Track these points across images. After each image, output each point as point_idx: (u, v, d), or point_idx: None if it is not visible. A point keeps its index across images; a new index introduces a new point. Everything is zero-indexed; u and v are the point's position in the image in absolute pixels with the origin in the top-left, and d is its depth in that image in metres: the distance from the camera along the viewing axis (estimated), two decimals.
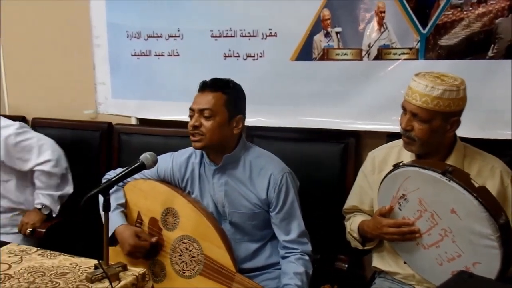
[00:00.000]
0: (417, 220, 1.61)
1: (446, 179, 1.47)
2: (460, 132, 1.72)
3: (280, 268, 1.86)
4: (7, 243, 1.80)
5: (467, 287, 1.09)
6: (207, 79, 1.87)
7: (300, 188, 1.92)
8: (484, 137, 1.98)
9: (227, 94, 1.81)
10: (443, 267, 1.57)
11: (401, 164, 1.63)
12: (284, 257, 1.84)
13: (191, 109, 1.83)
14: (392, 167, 1.64)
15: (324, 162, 2.34)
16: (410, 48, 2.10)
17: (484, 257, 1.46)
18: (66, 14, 2.95)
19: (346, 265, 1.96)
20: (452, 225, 1.51)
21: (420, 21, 2.07)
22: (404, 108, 1.67)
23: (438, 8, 2.03)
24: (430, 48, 2.07)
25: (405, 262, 1.75)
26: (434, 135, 1.62)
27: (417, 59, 2.10)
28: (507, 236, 1.44)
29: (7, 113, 3.27)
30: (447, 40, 2.05)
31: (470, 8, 1.98)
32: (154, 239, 1.90)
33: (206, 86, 1.83)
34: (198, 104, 1.81)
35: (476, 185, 1.47)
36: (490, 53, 1.99)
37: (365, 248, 1.88)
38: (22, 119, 3.12)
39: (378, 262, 1.88)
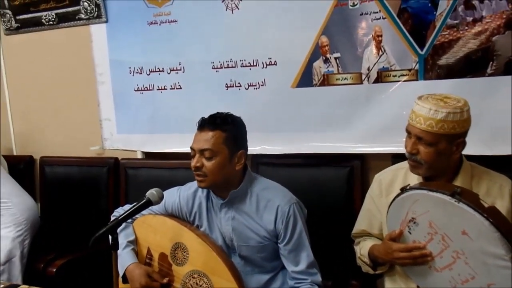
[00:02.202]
0: (428, 243, 1.59)
1: (455, 201, 1.46)
2: (466, 150, 1.70)
3: None
4: (18, 285, 1.80)
5: None
6: (209, 110, 1.87)
7: (308, 214, 1.90)
8: (488, 154, 1.98)
9: (226, 132, 1.79)
10: None
11: (408, 187, 1.62)
12: None
13: (191, 148, 1.82)
14: (400, 191, 1.63)
15: (330, 186, 2.34)
16: (409, 69, 2.12)
17: (498, 278, 1.44)
18: (69, 53, 3.01)
19: None
20: (464, 246, 1.49)
21: (417, 42, 2.09)
22: (408, 132, 1.67)
23: (434, 29, 2.05)
24: (429, 69, 2.09)
25: (418, 286, 1.72)
26: (440, 157, 1.62)
27: (417, 79, 2.11)
28: None
29: (15, 153, 3.30)
30: (445, 59, 2.06)
31: (466, 28, 2.00)
32: (165, 280, 1.89)
33: (204, 124, 1.81)
34: (198, 144, 1.80)
35: (486, 205, 1.46)
36: (489, 70, 2.00)
37: (376, 272, 1.85)
38: (30, 158, 3.15)
39: (390, 285, 1.85)
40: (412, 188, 1.61)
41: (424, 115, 1.59)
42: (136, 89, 2.78)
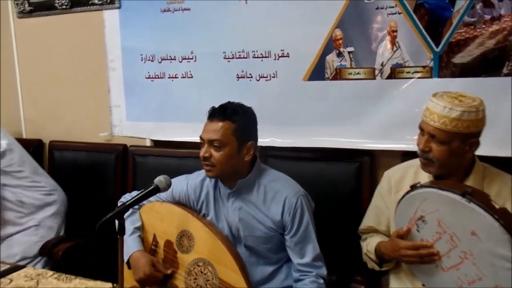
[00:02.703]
0: (436, 242, 1.57)
1: (466, 201, 1.45)
2: (478, 151, 1.69)
3: None
4: (23, 266, 1.81)
5: None
6: (220, 100, 1.86)
7: (315, 208, 1.90)
8: (500, 155, 1.95)
9: (236, 122, 1.78)
10: None
11: (418, 185, 1.60)
12: (298, 280, 1.82)
13: (201, 137, 1.82)
14: (410, 188, 1.62)
15: (338, 181, 2.32)
16: (424, 66, 2.09)
17: (506, 280, 1.42)
18: (81, 38, 3.00)
19: (363, 287, 1.92)
20: (473, 247, 1.48)
21: (433, 39, 2.06)
22: (421, 129, 1.65)
23: (451, 26, 2.02)
24: (443, 66, 2.06)
25: (423, 285, 1.71)
26: (452, 156, 1.60)
27: (430, 77, 2.09)
28: None
29: (24, 137, 3.32)
30: (460, 58, 2.03)
31: (484, 26, 1.97)
32: (169, 271, 1.89)
33: (215, 114, 1.80)
34: (207, 133, 1.79)
35: (497, 207, 1.44)
36: (505, 70, 1.97)
37: (382, 269, 1.85)
38: (39, 142, 3.17)
39: (395, 283, 1.84)
40: (422, 186, 1.59)
41: (439, 112, 1.57)
42: (147, 76, 2.77)
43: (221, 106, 1.83)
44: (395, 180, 1.82)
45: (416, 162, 1.75)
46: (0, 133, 2.50)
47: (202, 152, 1.79)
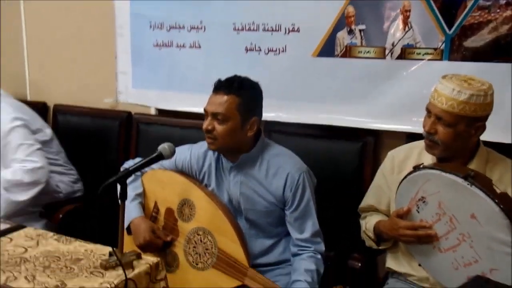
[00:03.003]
0: (435, 224, 1.59)
1: (468, 184, 1.45)
2: (483, 136, 1.69)
3: None
4: (24, 226, 1.82)
5: None
6: (227, 73, 1.84)
7: (317, 185, 1.91)
8: (506, 142, 1.95)
9: (241, 97, 1.77)
10: (459, 272, 1.55)
11: (421, 166, 1.61)
12: (296, 255, 1.84)
13: (205, 110, 1.81)
14: (412, 169, 1.62)
15: (341, 160, 2.32)
16: (435, 49, 2.07)
17: (502, 264, 1.44)
18: (91, 2, 2.97)
19: (360, 264, 1.94)
20: (471, 230, 1.49)
21: (446, 21, 2.03)
22: (428, 111, 1.64)
23: (465, 9, 1.99)
24: (455, 49, 2.04)
25: (419, 265, 1.73)
26: (457, 139, 1.60)
27: (441, 59, 2.07)
28: None
29: (28, 99, 3.31)
30: (472, 41, 2.01)
31: (498, 10, 1.94)
32: (169, 238, 1.91)
33: (221, 87, 1.79)
34: (211, 106, 1.78)
35: (498, 191, 1.45)
36: None
37: (379, 248, 1.86)
38: (43, 105, 3.16)
39: (392, 262, 1.86)
40: (425, 167, 1.60)
41: (447, 95, 1.56)
42: (155, 44, 2.75)
43: (227, 79, 1.81)
44: (398, 160, 1.82)
45: (421, 143, 1.75)
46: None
47: (205, 124, 1.79)
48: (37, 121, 2.57)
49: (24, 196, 2.33)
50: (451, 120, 1.57)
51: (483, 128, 1.62)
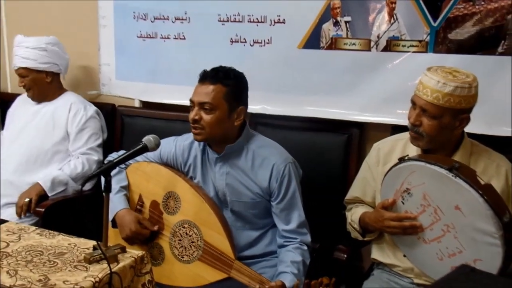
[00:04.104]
0: (420, 215, 1.60)
1: (452, 175, 1.46)
2: (467, 128, 1.70)
3: None
4: (5, 221, 1.79)
5: (469, 281, 1.08)
6: (212, 64, 1.84)
7: (303, 177, 1.91)
8: (490, 134, 1.97)
9: (227, 86, 1.77)
10: (443, 262, 1.56)
11: (406, 158, 1.61)
12: (282, 246, 1.84)
13: (191, 100, 1.80)
14: (398, 161, 1.63)
15: (327, 152, 2.33)
16: (420, 41, 2.08)
17: (485, 254, 1.46)
18: None
19: (345, 256, 1.95)
20: (455, 221, 1.50)
21: (431, 13, 2.04)
22: (413, 103, 1.65)
23: (450, 1, 2.00)
24: (439, 42, 2.05)
25: (404, 255, 1.74)
26: (442, 131, 1.61)
27: (426, 52, 2.08)
28: (510, 234, 1.43)
29: (10, 91, 3.25)
30: (457, 34, 2.02)
31: (483, 3, 1.96)
32: (155, 228, 1.90)
33: (206, 77, 1.79)
34: (198, 96, 1.78)
35: (482, 183, 1.46)
36: (500, 49, 1.96)
37: (365, 239, 1.87)
38: None
39: (377, 254, 1.87)
40: (410, 159, 1.61)
41: (432, 87, 1.57)
42: (139, 35, 2.71)
43: (213, 69, 1.81)
44: (383, 152, 1.83)
45: (406, 135, 1.76)
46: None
47: (192, 114, 1.78)
48: None
49: (88, 186, 2.42)
50: (436, 112, 1.58)
51: (467, 120, 1.63)
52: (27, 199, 2.35)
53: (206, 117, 1.76)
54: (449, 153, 1.69)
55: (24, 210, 2.34)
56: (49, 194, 2.41)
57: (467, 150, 1.70)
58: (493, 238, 1.43)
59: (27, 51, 2.54)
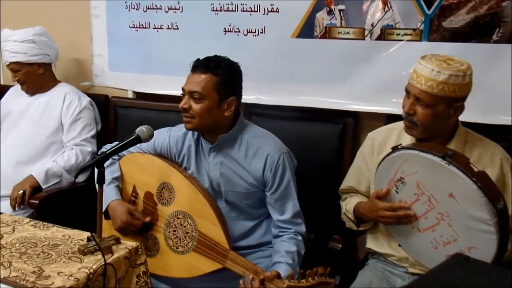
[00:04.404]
0: (414, 204, 1.60)
1: (446, 163, 1.46)
2: (461, 116, 1.70)
3: None
4: None
5: (463, 269, 1.09)
6: (206, 54, 1.83)
7: (297, 167, 1.90)
8: (484, 122, 1.96)
9: (218, 76, 1.76)
10: (438, 251, 1.57)
11: (400, 146, 1.61)
12: (277, 236, 1.83)
13: (182, 89, 1.80)
14: (391, 150, 1.62)
15: (321, 142, 2.32)
16: (414, 29, 2.07)
17: (480, 242, 1.46)
18: None
19: (340, 245, 1.95)
20: (450, 209, 1.51)
21: (425, 1, 2.03)
22: (407, 92, 1.64)
23: None
24: (434, 30, 2.04)
25: (399, 245, 1.75)
26: (437, 120, 1.60)
27: (420, 40, 2.07)
28: (505, 221, 1.43)
29: (2, 83, 3.22)
30: (451, 22, 2.01)
31: None
32: (147, 219, 1.89)
33: (198, 66, 1.78)
34: (188, 85, 1.78)
35: (476, 170, 1.46)
36: (494, 37, 1.96)
37: (359, 229, 1.87)
38: None
39: (372, 243, 1.87)
40: (403, 148, 1.60)
41: (426, 75, 1.56)
42: (131, 25, 2.69)
43: (205, 58, 1.80)
44: (378, 142, 1.83)
45: (400, 124, 1.75)
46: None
47: (182, 103, 1.78)
48: None
49: (82, 177, 2.42)
50: (430, 100, 1.57)
51: (462, 109, 1.62)
52: (20, 191, 2.34)
53: (195, 106, 1.76)
54: (443, 142, 1.68)
55: (18, 202, 2.33)
56: (43, 186, 2.40)
57: (462, 138, 1.70)
58: (488, 225, 1.43)
59: (16, 45, 2.52)
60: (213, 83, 1.75)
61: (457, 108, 1.61)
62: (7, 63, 2.56)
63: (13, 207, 2.33)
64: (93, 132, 2.60)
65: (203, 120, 1.76)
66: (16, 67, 2.54)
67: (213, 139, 1.84)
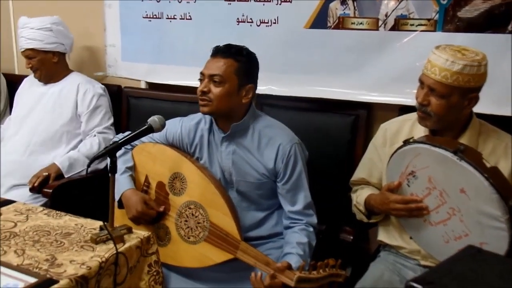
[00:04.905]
0: (425, 198, 1.59)
1: (457, 158, 1.44)
2: (475, 108, 1.68)
3: None
4: (13, 201, 1.81)
5: (475, 261, 1.08)
6: (220, 44, 1.84)
7: (309, 159, 1.90)
8: (499, 114, 1.94)
9: (239, 62, 1.77)
10: (449, 245, 1.55)
11: (411, 140, 1.59)
12: (288, 227, 1.84)
13: (201, 73, 1.80)
14: (402, 143, 1.61)
15: (334, 133, 2.31)
16: (428, 19, 2.04)
17: (491, 238, 1.45)
18: None
19: (351, 237, 1.95)
20: (461, 204, 1.49)
21: None
22: (421, 82, 1.62)
23: None
24: (448, 20, 2.01)
25: (411, 237, 1.74)
26: (451, 111, 1.58)
27: (434, 31, 2.04)
28: None
29: (17, 73, 3.26)
30: (466, 12, 1.98)
31: None
32: (161, 208, 1.90)
33: (218, 52, 1.80)
34: (208, 69, 1.79)
35: (488, 166, 1.44)
36: (510, 27, 1.92)
37: (370, 221, 1.87)
38: None
39: (383, 236, 1.87)
40: (415, 142, 1.59)
41: (440, 65, 1.54)
42: (144, 15, 2.69)
43: (226, 45, 1.82)
44: (391, 133, 1.81)
45: (413, 116, 1.74)
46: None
47: (201, 86, 1.78)
48: None
49: (103, 164, 2.43)
50: (444, 91, 1.55)
51: (476, 100, 1.60)
52: (45, 173, 2.36)
53: (215, 89, 1.76)
54: (457, 133, 1.66)
55: (39, 181, 2.35)
56: (66, 175, 2.43)
57: (476, 130, 1.68)
58: (499, 222, 1.41)
59: (33, 32, 2.54)
60: (234, 68, 1.76)
61: (472, 99, 1.59)
62: (23, 50, 2.58)
63: (33, 184, 2.34)
64: (111, 120, 2.63)
65: (221, 104, 1.77)
66: (31, 54, 2.56)
67: (225, 128, 1.84)
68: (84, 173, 2.48)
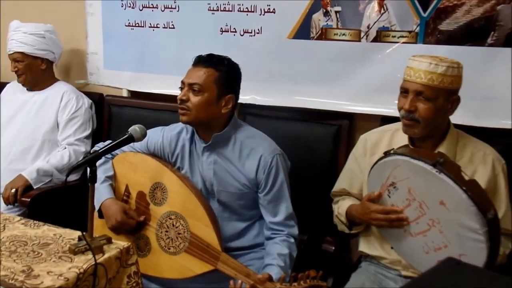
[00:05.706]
0: (405, 209, 1.59)
1: (436, 171, 1.46)
2: (455, 119, 1.71)
3: None
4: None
5: (455, 274, 1.08)
6: (203, 54, 1.84)
7: (291, 168, 1.90)
8: (478, 125, 1.96)
9: (219, 72, 1.77)
10: (429, 256, 1.56)
11: (392, 152, 1.60)
12: (269, 238, 1.83)
13: (182, 82, 1.81)
14: (383, 154, 1.62)
15: (316, 143, 2.32)
16: (410, 32, 2.07)
17: (470, 250, 1.46)
18: None
19: (333, 248, 1.95)
20: (440, 216, 1.50)
21: (421, 4, 2.03)
22: (405, 90, 1.64)
23: None
24: (429, 32, 2.04)
25: (392, 248, 1.74)
26: (437, 114, 1.61)
27: (415, 42, 2.07)
28: (495, 230, 1.43)
29: (0, 80, 3.20)
30: (447, 24, 2.01)
31: None
32: (141, 218, 1.88)
33: (200, 61, 1.80)
34: (188, 78, 1.79)
35: (467, 178, 1.46)
36: (489, 40, 1.96)
37: (351, 232, 1.87)
38: None
39: (364, 246, 1.87)
40: (395, 153, 1.60)
41: (424, 69, 1.57)
42: (127, 24, 2.68)
43: (208, 54, 1.83)
44: (371, 143, 1.82)
45: (393, 126, 1.76)
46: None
47: (181, 94, 1.78)
48: None
49: (74, 176, 2.43)
50: (431, 94, 1.58)
51: (457, 102, 1.65)
52: (13, 190, 2.33)
53: (194, 98, 1.76)
54: (437, 141, 1.68)
55: (11, 201, 2.32)
56: (34, 186, 2.39)
57: (454, 138, 1.70)
58: (478, 234, 1.43)
59: (25, 36, 2.53)
60: (214, 77, 1.76)
61: (454, 102, 1.63)
62: (11, 52, 2.56)
63: (7, 200, 2.33)
64: (87, 132, 2.59)
65: (199, 113, 1.76)
66: (19, 57, 2.54)
67: (207, 137, 1.84)
68: (52, 184, 2.45)
